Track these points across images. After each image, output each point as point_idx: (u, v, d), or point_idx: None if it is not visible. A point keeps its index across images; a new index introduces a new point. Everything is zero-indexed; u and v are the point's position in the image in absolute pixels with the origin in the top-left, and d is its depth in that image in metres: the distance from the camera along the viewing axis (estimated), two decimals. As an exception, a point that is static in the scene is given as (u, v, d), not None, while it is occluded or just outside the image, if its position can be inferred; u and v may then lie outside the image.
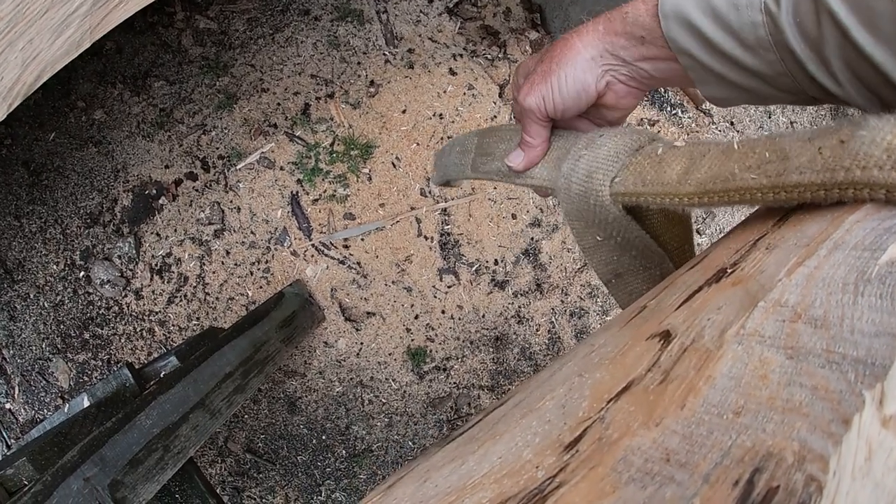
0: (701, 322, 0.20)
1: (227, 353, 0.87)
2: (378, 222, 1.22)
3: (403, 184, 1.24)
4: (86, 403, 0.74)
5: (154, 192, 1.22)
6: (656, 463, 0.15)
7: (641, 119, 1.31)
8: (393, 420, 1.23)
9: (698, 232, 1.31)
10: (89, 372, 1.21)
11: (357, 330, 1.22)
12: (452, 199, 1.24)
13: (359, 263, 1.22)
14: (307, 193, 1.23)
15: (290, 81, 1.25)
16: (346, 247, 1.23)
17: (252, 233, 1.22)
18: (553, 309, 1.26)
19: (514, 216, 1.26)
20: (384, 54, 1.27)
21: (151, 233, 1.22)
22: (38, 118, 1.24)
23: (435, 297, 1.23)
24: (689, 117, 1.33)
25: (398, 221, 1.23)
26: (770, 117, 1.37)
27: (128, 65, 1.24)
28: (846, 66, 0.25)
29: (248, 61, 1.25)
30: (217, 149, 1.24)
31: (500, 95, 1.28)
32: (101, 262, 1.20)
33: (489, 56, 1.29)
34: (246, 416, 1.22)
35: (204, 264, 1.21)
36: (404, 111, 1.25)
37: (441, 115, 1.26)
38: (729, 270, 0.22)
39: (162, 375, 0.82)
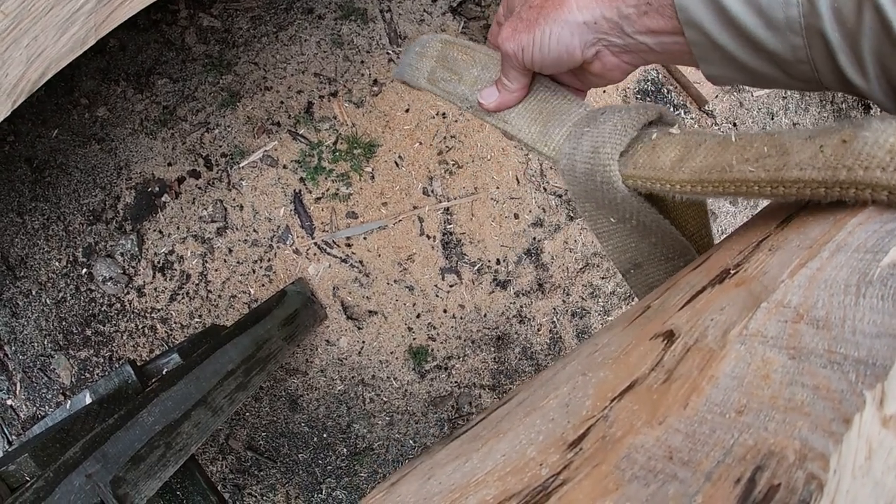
0: (704, 322, 0.20)
1: (230, 350, 0.87)
2: (380, 221, 1.23)
3: (406, 183, 1.24)
4: (88, 400, 0.75)
5: (157, 189, 1.23)
6: (659, 461, 0.16)
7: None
8: (394, 419, 1.24)
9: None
10: (91, 369, 1.21)
11: (359, 328, 1.23)
12: (455, 199, 1.25)
13: (361, 262, 1.23)
14: (310, 192, 1.23)
15: (294, 80, 1.25)
16: (349, 245, 1.23)
17: (254, 231, 1.22)
18: (555, 309, 1.27)
19: (516, 216, 1.26)
20: (388, 53, 1.27)
21: (154, 230, 1.22)
22: (42, 115, 1.24)
23: (437, 296, 1.24)
24: (692, 118, 1.33)
25: (400, 220, 1.23)
26: (773, 119, 1.36)
27: (131, 62, 1.25)
28: (878, 60, 0.24)
29: (251, 59, 1.25)
30: (220, 147, 1.24)
31: (503, 95, 1.28)
32: (104, 259, 1.21)
33: (492, 56, 1.29)
34: (247, 414, 1.22)
35: (206, 262, 1.21)
36: (407, 110, 1.25)
37: (444, 114, 1.26)
38: (732, 271, 0.23)
39: (164, 373, 0.82)
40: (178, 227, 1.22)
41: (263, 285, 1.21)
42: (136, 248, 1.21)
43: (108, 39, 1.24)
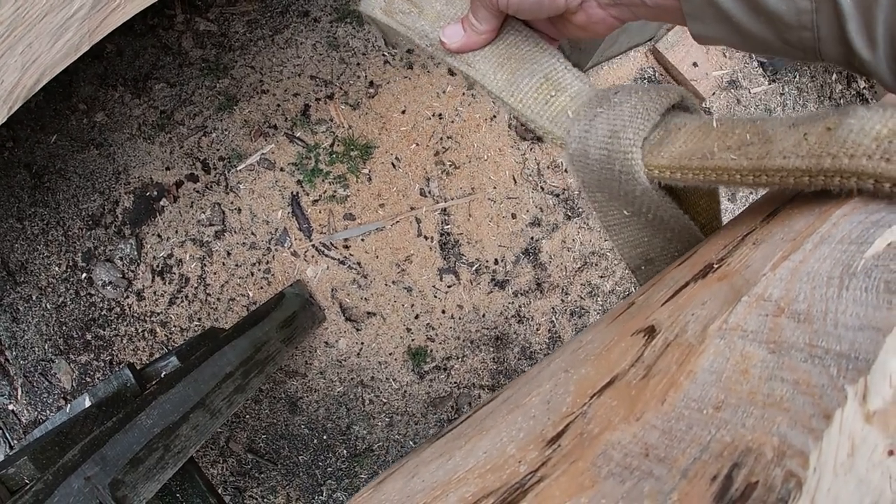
0: (685, 317, 0.20)
1: (228, 353, 0.87)
2: (378, 222, 1.23)
3: (403, 184, 1.24)
4: (87, 403, 0.75)
5: (155, 193, 1.23)
6: (635, 457, 0.15)
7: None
8: (394, 420, 1.23)
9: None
10: (91, 373, 1.22)
11: (357, 330, 1.22)
12: (452, 199, 1.24)
13: (359, 264, 1.23)
14: (307, 194, 1.23)
15: (290, 83, 1.25)
16: (347, 247, 1.23)
17: (253, 234, 1.22)
18: (553, 308, 1.26)
19: (513, 216, 1.26)
20: (383, 55, 1.27)
21: (153, 234, 1.22)
22: (40, 121, 1.25)
23: (435, 296, 1.24)
24: (690, 115, 1.33)
25: (398, 221, 1.23)
26: (771, 114, 1.36)
27: (128, 67, 1.25)
28: (891, 33, 0.23)
29: (248, 63, 1.26)
30: (217, 150, 1.24)
31: (499, 95, 1.28)
32: (103, 263, 1.21)
33: (488, 55, 1.28)
34: (247, 417, 1.22)
35: (205, 265, 1.22)
36: (404, 112, 1.25)
37: (440, 115, 1.26)
38: (716, 266, 0.22)
39: (163, 375, 0.82)
40: (176, 231, 1.22)
41: (262, 288, 1.21)
42: (135, 253, 1.22)
43: (106, 45, 1.24)
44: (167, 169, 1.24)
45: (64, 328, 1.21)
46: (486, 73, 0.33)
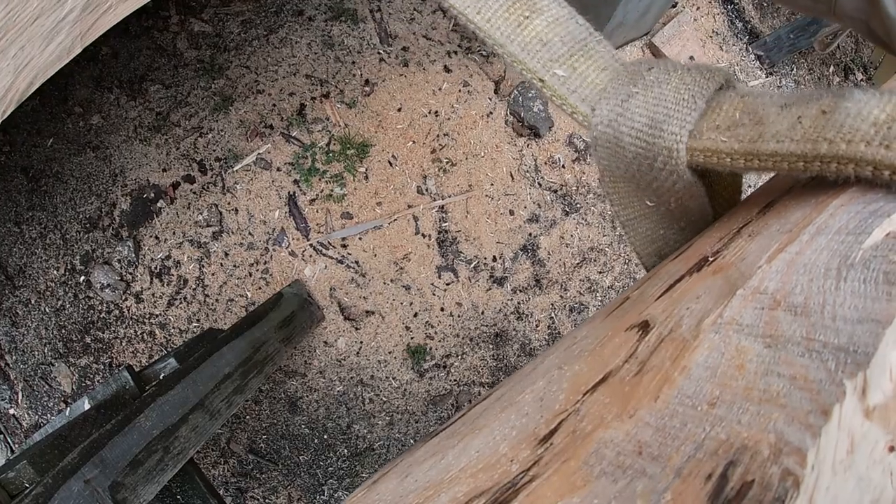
0: (679, 312, 0.19)
1: (226, 354, 0.87)
2: (375, 221, 1.22)
3: (400, 182, 1.24)
4: (86, 406, 0.75)
5: (152, 195, 1.23)
6: (628, 456, 0.15)
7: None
8: (394, 418, 1.23)
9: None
10: (91, 376, 1.21)
11: (356, 329, 1.22)
12: (450, 197, 1.24)
13: (357, 262, 1.22)
14: (304, 194, 1.22)
15: (286, 82, 1.25)
16: (344, 246, 1.22)
17: (250, 234, 1.22)
18: (552, 304, 1.26)
19: (511, 212, 1.25)
20: (378, 53, 1.26)
21: (150, 236, 1.22)
22: (36, 124, 1.25)
23: (434, 294, 1.23)
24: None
25: (396, 220, 1.23)
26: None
27: (124, 69, 1.25)
28: None
29: (243, 63, 1.25)
30: (214, 151, 1.24)
31: (496, 91, 1.28)
32: (101, 266, 1.21)
33: (483, 52, 1.28)
34: (248, 417, 1.22)
35: (203, 266, 1.21)
36: (400, 109, 1.25)
37: (437, 112, 1.25)
38: (711, 259, 0.22)
39: (161, 377, 0.82)
40: (174, 233, 1.22)
41: (260, 288, 1.21)
42: (133, 255, 1.21)
43: (101, 47, 1.24)
44: (164, 170, 1.23)
45: (63, 331, 1.21)
46: (467, 6, 0.29)
